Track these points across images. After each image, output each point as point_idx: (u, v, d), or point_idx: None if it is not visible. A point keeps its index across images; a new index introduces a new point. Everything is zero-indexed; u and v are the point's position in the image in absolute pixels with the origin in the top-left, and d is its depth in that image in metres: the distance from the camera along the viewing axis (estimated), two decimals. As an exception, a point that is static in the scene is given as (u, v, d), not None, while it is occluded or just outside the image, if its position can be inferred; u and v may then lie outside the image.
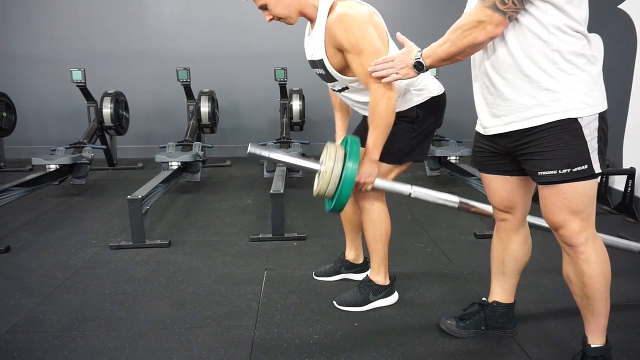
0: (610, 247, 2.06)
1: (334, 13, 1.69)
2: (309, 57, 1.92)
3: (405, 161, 1.95)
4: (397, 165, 1.94)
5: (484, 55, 1.47)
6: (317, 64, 1.85)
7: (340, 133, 2.19)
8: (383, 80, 1.64)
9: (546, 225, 2.00)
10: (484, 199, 1.89)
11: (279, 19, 1.80)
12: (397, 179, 2.01)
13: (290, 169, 4.21)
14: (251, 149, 1.78)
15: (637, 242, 2.19)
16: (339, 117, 2.20)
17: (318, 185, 1.78)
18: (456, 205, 1.89)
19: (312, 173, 1.87)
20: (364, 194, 1.95)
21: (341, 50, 1.73)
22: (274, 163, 1.83)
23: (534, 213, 1.70)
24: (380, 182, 1.84)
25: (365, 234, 2.04)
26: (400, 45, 1.64)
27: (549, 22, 1.32)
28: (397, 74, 1.57)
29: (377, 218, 1.98)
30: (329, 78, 1.86)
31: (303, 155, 4.25)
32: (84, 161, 4.15)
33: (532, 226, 1.86)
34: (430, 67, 1.51)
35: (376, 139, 1.75)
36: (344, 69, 1.79)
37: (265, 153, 1.80)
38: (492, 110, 1.50)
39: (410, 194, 1.85)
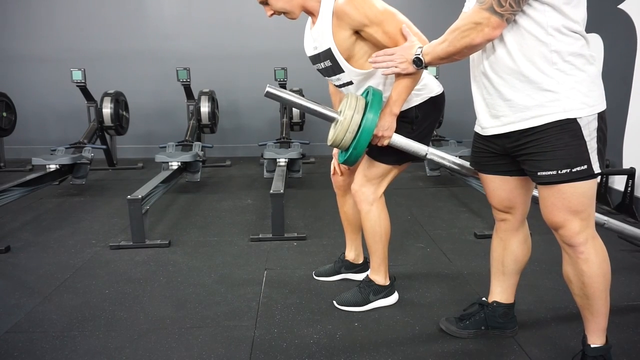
0: (619, 233, 2.07)
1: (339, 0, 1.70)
2: (311, 53, 1.91)
3: (404, 162, 1.94)
4: (395, 165, 1.94)
5: (482, 56, 1.47)
6: (322, 56, 1.83)
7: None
8: (382, 73, 1.65)
9: None
10: (484, 199, 1.90)
11: (281, 13, 1.79)
12: (393, 180, 2.01)
13: (291, 168, 4.21)
14: (269, 89, 1.73)
15: None
16: None
17: (335, 134, 1.74)
18: (470, 173, 1.84)
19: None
20: (362, 194, 1.94)
21: (357, 32, 1.72)
22: (291, 107, 1.78)
23: (534, 213, 1.70)
24: (397, 138, 1.78)
25: (365, 235, 2.04)
26: (404, 39, 1.65)
27: (547, 23, 1.32)
28: (396, 67, 1.59)
29: (376, 218, 1.98)
30: (335, 70, 1.83)
31: (304, 156, 4.26)
32: (84, 161, 4.15)
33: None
34: (429, 64, 1.52)
35: (400, 92, 1.72)
36: (351, 59, 1.78)
37: (283, 94, 1.76)
38: (491, 110, 1.50)
39: (426, 154, 1.80)
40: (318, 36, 1.80)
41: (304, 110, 1.82)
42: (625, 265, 2.47)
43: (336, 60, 1.79)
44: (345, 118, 1.70)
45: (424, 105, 1.88)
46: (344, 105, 1.75)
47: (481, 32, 1.33)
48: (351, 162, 1.80)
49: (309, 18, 1.90)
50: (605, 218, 2.04)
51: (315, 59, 1.89)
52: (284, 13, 1.80)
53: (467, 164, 1.84)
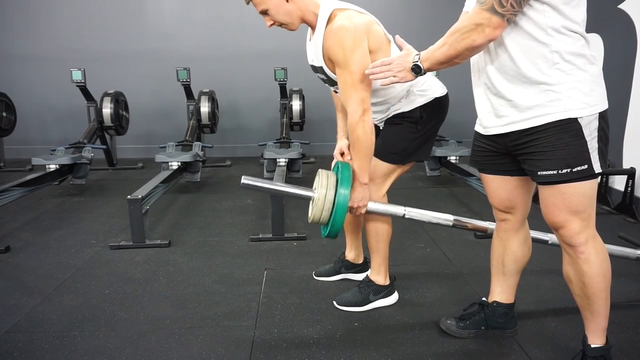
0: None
1: (331, 25, 1.69)
2: (310, 62, 1.92)
3: (408, 161, 1.95)
4: (400, 165, 1.94)
5: (484, 57, 1.47)
6: (318, 69, 1.87)
7: (341, 134, 2.19)
8: (380, 84, 1.64)
9: (542, 237, 2.02)
10: (485, 199, 1.90)
11: (281, 25, 1.80)
12: (397, 180, 2.01)
13: (291, 168, 4.21)
14: (245, 180, 1.81)
15: (633, 249, 2.18)
16: (341, 118, 2.20)
17: (312, 213, 1.82)
18: (450, 224, 1.92)
19: (312, 174, 1.87)
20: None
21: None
22: (269, 193, 1.89)
23: (534, 213, 1.70)
24: (373, 205, 1.86)
25: (367, 235, 2.04)
26: (400, 48, 1.63)
27: (547, 24, 1.32)
28: (394, 77, 1.56)
29: (378, 218, 1.98)
30: (331, 82, 1.88)
31: (303, 156, 4.26)
32: (84, 161, 4.15)
33: (534, 240, 1.87)
34: (428, 70, 1.50)
35: (360, 163, 1.78)
36: None
37: (258, 184, 1.83)
38: (494, 110, 1.50)
39: (404, 214, 1.88)
40: (314, 50, 1.82)
41: (281, 195, 1.92)
42: (626, 265, 2.46)
43: (330, 77, 1.82)
44: (319, 197, 1.77)
45: (429, 106, 1.88)
46: (317, 183, 1.81)
47: (482, 32, 1.32)
48: (333, 236, 1.85)
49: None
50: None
51: (314, 69, 1.93)
52: (284, 24, 1.80)
53: (446, 216, 1.91)
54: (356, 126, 1.72)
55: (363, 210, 1.84)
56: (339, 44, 1.67)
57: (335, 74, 1.79)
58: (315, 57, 1.83)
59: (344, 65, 1.69)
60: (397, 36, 1.65)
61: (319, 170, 1.88)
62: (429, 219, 1.91)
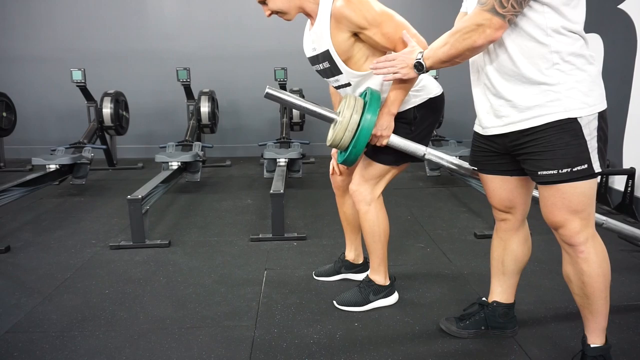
0: (618, 234, 2.06)
1: (336, 2, 1.70)
2: (310, 54, 1.91)
3: (403, 162, 1.94)
4: (394, 166, 1.94)
5: (484, 57, 1.47)
6: (321, 57, 1.84)
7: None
8: (383, 79, 1.64)
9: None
10: (484, 199, 1.90)
11: (278, 13, 1.80)
12: (394, 180, 2.00)
13: (291, 168, 4.21)
14: (269, 90, 1.75)
15: None
16: None
17: (334, 134, 1.76)
18: (469, 172, 1.85)
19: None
20: (360, 194, 1.94)
21: (355, 33, 1.73)
22: (290, 106, 1.82)
23: (534, 213, 1.70)
24: (395, 139, 1.81)
25: (364, 235, 2.04)
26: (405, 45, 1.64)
27: (546, 24, 1.32)
28: (397, 72, 1.58)
29: (374, 219, 1.98)
30: (334, 71, 1.84)
31: (303, 156, 4.26)
32: (84, 161, 4.15)
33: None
34: (431, 68, 1.51)
35: (397, 92, 1.74)
36: (349, 60, 1.79)
37: (282, 96, 1.78)
38: (493, 110, 1.50)
39: (424, 154, 1.82)
40: (316, 37, 1.80)
41: (303, 111, 1.84)
42: (626, 265, 2.47)
43: (334, 62, 1.80)
44: (344, 118, 1.72)
45: (423, 106, 1.88)
46: (343, 106, 1.76)
47: (483, 33, 1.32)
48: (350, 162, 1.81)
49: (308, 19, 1.90)
50: (604, 218, 2.04)
51: (314, 60, 1.89)
52: (280, 13, 1.80)
53: (465, 164, 1.85)
54: None
55: (384, 141, 1.79)
56: (359, 9, 1.68)
57: (342, 58, 1.77)
58: (318, 44, 1.81)
59: (374, 23, 1.69)
60: (403, 32, 1.66)
61: (346, 94, 1.83)
62: (448, 163, 1.85)
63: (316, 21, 1.78)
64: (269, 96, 1.76)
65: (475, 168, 1.74)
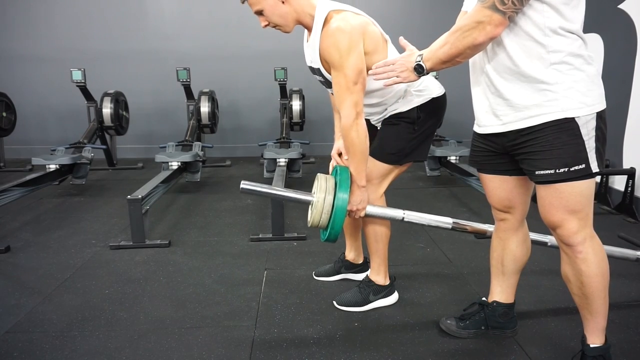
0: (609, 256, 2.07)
1: (328, 26, 1.69)
2: (308, 64, 1.92)
3: (406, 162, 1.95)
4: (397, 165, 1.94)
5: (484, 57, 1.47)
6: (316, 71, 1.86)
7: (338, 134, 2.19)
8: (384, 84, 1.63)
9: (542, 239, 2.02)
10: (484, 199, 1.90)
11: (275, 26, 1.79)
12: (397, 180, 2.01)
13: (291, 168, 4.21)
14: (244, 185, 1.82)
15: (632, 250, 2.18)
16: (338, 119, 2.20)
17: (312, 217, 1.82)
18: (449, 227, 1.94)
19: (312, 173, 1.87)
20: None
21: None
22: (267, 196, 1.90)
23: (534, 213, 1.70)
24: (371, 209, 1.88)
25: (366, 235, 2.04)
26: (402, 49, 1.63)
27: (545, 24, 1.32)
28: (397, 77, 1.56)
29: (376, 220, 1.98)
30: (328, 84, 1.87)
31: (304, 156, 4.26)
32: (84, 161, 4.15)
33: (534, 242, 1.88)
34: (431, 70, 1.50)
35: (356, 166, 1.78)
36: None
37: (257, 189, 1.84)
38: (492, 109, 1.50)
39: (403, 218, 1.90)
40: (312, 52, 1.82)
41: (280, 199, 1.93)
42: (625, 265, 2.46)
43: (327, 79, 1.82)
44: (318, 201, 1.77)
45: (426, 106, 1.88)
46: (315, 187, 1.81)
47: (483, 30, 1.32)
48: (332, 240, 1.85)
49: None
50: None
51: (312, 70, 1.92)
52: (278, 26, 1.79)
53: (445, 219, 1.92)
54: (350, 129, 1.72)
55: (362, 214, 1.85)
56: (335, 46, 1.67)
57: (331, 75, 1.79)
58: (312, 59, 1.83)
59: (339, 67, 1.69)
60: (400, 37, 1.65)
61: (318, 174, 1.88)
62: (428, 222, 1.92)
63: (311, 36, 1.79)
64: (245, 191, 1.82)
65: (452, 221, 1.86)
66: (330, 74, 1.78)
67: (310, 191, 1.88)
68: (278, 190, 1.91)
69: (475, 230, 1.97)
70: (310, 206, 1.86)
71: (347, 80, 1.68)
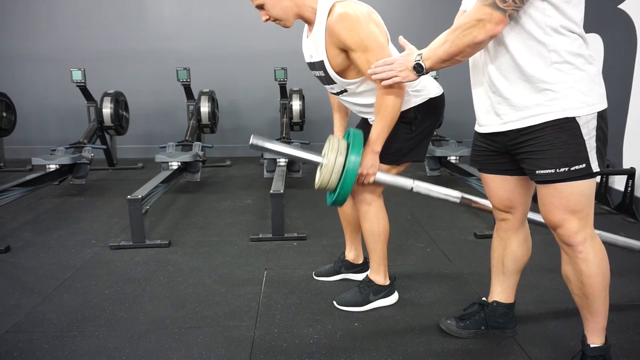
0: (610, 245, 2.07)
1: (334, 14, 1.69)
2: (307, 59, 1.92)
3: (403, 162, 1.95)
4: (394, 165, 1.94)
5: (485, 56, 1.47)
6: (317, 65, 1.85)
7: (338, 134, 2.20)
8: (383, 83, 1.63)
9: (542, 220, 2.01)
10: (485, 199, 1.90)
11: (275, 20, 1.80)
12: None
13: (291, 168, 4.21)
14: (253, 140, 1.78)
15: (637, 241, 2.18)
16: (338, 118, 2.21)
17: (320, 178, 1.78)
18: (458, 201, 1.89)
19: (312, 173, 1.87)
20: (361, 194, 1.95)
21: (345, 50, 1.73)
22: (276, 155, 1.85)
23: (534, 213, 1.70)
24: (382, 176, 1.84)
25: (364, 235, 2.04)
26: (401, 49, 1.63)
27: (546, 23, 1.32)
28: (397, 76, 1.56)
29: (374, 218, 1.98)
30: (328, 80, 1.86)
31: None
32: (84, 161, 4.15)
33: (532, 222, 1.87)
34: (431, 69, 1.50)
35: (380, 131, 1.76)
36: (344, 71, 1.79)
37: (267, 145, 1.80)
38: (492, 108, 1.50)
39: (412, 188, 1.85)
40: (313, 46, 1.82)
41: (289, 158, 1.88)
42: (625, 265, 2.47)
43: (328, 73, 1.81)
44: (329, 161, 1.74)
45: (423, 106, 1.88)
46: (327, 149, 1.79)
47: (483, 28, 1.31)
48: (340, 203, 1.83)
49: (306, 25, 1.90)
50: (597, 232, 2.03)
51: (311, 66, 1.91)
52: (279, 20, 1.80)
53: (454, 192, 1.89)
54: (390, 92, 1.69)
55: (371, 179, 1.81)
56: (350, 28, 1.67)
57: (336, 70, 1.78)
58: (314, 53, 1.82)
59: (362, 47, 1.68)
60: (400, 37, 1.65)
61: (330, 135, 1.85)
62: (437, 194, 1.88)
63: (313, 30, 1.79)
64: (253, 147, 1.79)
65: (461, 195, 1.81)
66: (335, 69, 1.78)
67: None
68: (287, 148, 1.84)
69: (480, 207, 1.94)
70: (319, 168, 1.82)
71: (375, 54, 1.67)
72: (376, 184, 1.85)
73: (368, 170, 1.79)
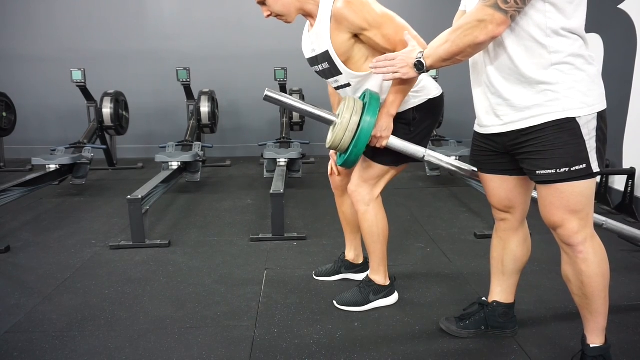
0: (617, 234, 2.08)
1: (337, 3, 1.70)
2: (309, 55, 1.91)
3: (402, 163, 1.94)
4: (393, 167, 1.94)
5: (485, 57, 1.47)
6: (320, 58, 1.83)
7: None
8: (383, 79, 1.64)
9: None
10: (484, 199, 1.90)
11: (277, 16, 1.80)
12: (394, 180, 2.00)
13: (291, 168, 4.21)
14: (268, 92, 1.76)
15: None
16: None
17: (333, 136, 1.76)
18: (469, 175, 1.86)
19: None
20: (359, 194, 1.94)
21: (355, 35, 1.73)
22: (289, 108, 1.82)
23: (534, 213, 1.70)
24: (395, 140, 1.81)
25: (363, 235, 2.04)
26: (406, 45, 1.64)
27: (546, 24, 1.32)
28: (397, 72, 1.56)
29: (373, 219, 1.98)
30: (333, 72, 1.84)
31: (304, 156, 4.26)
32: (84, 161, 4.15)
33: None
34: (431, 67, 1.50)
35: (396, 95, 1.74)
36: (349, 61, 1.79)
37: (281, 98, 1.78)
38: (492, 109, 1.50)
39: (423, 156, 1.82)
40: (316, 38, 1.81)
41: (303, 113, 1.85)
42: (625, 265, 2.47)
43: (334, 63, 1.80)
44: (344, 119, 1.72)
45: (422, 107, 1.88)
46: (342, 108, 1.76)
47: (485, 29, 1.31)
48: (351, 163, 1.80)
49: (307, 20, 1.90)
50: (604, 219, 2.04)
51: (313, 61, 1.89)
52: (280, 16, 1.80)
53: (464, 165, 1.85)
54: None
55: (384, 143, 1.79)
56: (359, 10, 1.68)
57: (342, 59, 1.77)
58: (317, 46, 1.82)
59: (375, 24, 1.69)
60: (405, 32, 1.66)
61: (346, 96, 1.84)
62: (447, 164, 1.85)
63: (316, 22, 1.78)
64: (268, 99, 1.76)
65: (475, 169, 1.74)
66: (342, 59, 1.77)
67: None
68: (302, 103, 1.83)
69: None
70: (332, 127, 1.80)
71: (394, 26, 1.69)
72: (387, 147, 1.81)
73: (382, 132, 1.77)
